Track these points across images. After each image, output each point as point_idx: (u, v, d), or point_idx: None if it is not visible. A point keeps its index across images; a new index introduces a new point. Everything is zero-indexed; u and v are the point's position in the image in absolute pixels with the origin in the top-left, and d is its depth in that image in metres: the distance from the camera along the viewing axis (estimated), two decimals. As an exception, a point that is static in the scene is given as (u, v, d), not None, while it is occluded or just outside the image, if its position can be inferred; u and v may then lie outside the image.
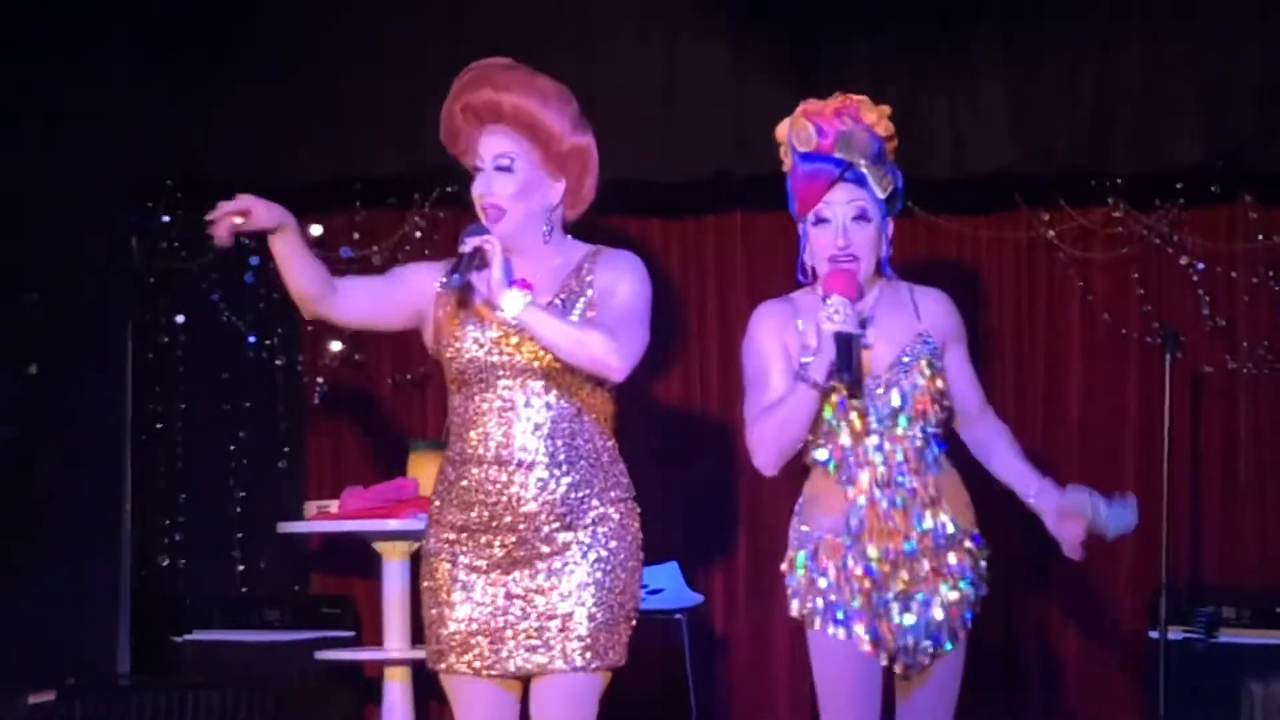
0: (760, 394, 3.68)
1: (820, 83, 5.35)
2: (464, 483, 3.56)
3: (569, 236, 3.69)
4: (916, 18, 5.85)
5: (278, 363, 6.38)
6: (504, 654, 3.53)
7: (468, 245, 3.49)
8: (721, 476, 6.14)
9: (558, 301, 3.55)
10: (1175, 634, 5.47)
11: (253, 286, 6.32)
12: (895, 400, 3.65)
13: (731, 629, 6.19)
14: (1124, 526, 3.67)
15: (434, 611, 3.59)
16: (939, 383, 3.70)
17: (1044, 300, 6.16)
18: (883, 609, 3.64)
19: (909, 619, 3.65)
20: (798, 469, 3.73)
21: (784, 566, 3.74)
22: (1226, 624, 5.61)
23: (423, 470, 5.74)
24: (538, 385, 3.55)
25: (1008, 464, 3.81)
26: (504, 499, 3.52)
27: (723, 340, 6.13)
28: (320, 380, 6.33)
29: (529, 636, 3.52)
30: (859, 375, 3.59)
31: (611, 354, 3.47)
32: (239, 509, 6.38)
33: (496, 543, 3.53)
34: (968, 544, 3.72)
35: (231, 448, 6.38)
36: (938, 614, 3.66)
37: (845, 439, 3.65)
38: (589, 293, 3.58)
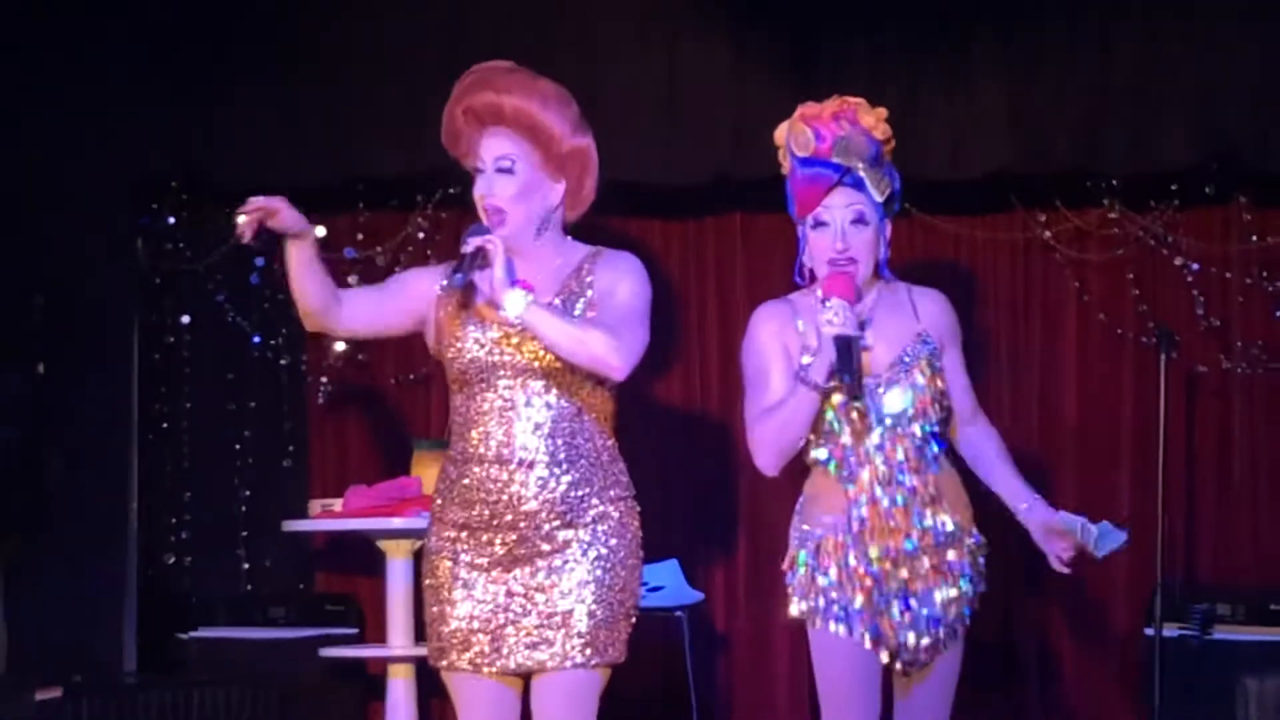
0: (760, 395, 3.69)
1: (820, 83, 5.38)
2: (465, 481, 3.57)
3: (569, 238, 3.70)
4: (916, 18, 5.85)
5: (282, 363, 6.39)
6: (505, 651, 3.54)
7: (470, 245, 3.50)
8: (722, 475, 6.15)
9: (558, 302, 3.56)
10: (1170, 631, 5.48)
11: (258, 287, 6.33)
12: (896, 399, 3.68)
13: (732, 626, 6.20)
14: (1113, 546, 3.68)
15: (435, 609, 3.61)
16: (939, 382, 3.72)
17: (1040, 301, 6.16)
18: (883, 607, 3.66)
19: (910, 617, 3.67)
20: (798, 468, 3.74)
21: (785, 565, 3.75)
22: (1221, 621, 5.61)
23: (426, 469, 5.75)
24: (538, 385, 3.56)
25: (999, 474, 3.83)
26: (505, 497, 3.53)
27: (723, 340, 6.13)
28: (324, 380, 6.34)
29: (529, 634, 3.53)
30: (859, 377, 3.60)
31: (612, 353, 3.49)
32: (244, 508, 6.39)
33: (497, 541, 3.54)
34: (967, 542, 3.74)
35: (237, 447, 6.40)
36: (938, 612, 3.68)
37: (846, 438, 3.67)
38: (589, 293, 3.59)
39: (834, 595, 3.66)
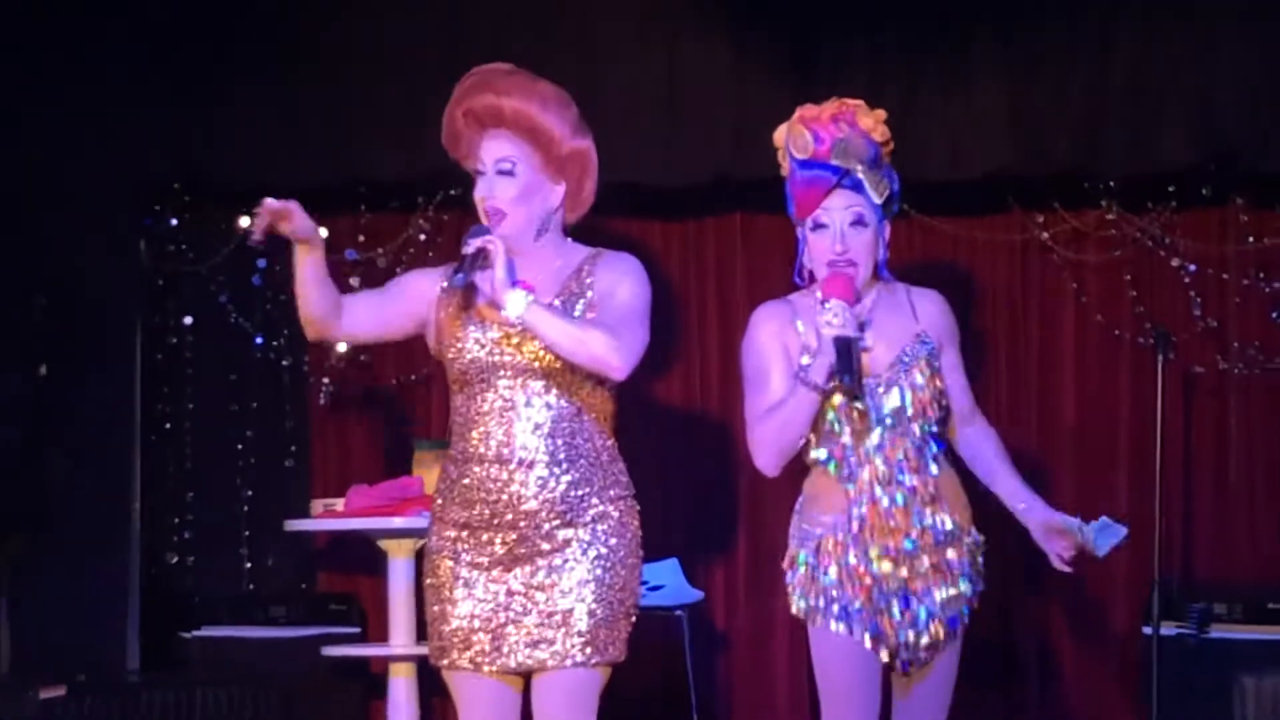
0: (760, 396, 3.70)
1: (820, 83, 5.40)
2: (465, 481, 3.58)
3: (569, 239, 3.71)
4: (916, 18, 5.85)
5: (284, 364, 6.39)
6: (505, 650, 3.55)
7: (471, 246, 3.51)
8: (721, 475, 6.16)
9: (558, 303, 3.57)
10: (1168, 630, 5.49)
11: (260, 289, 6.33)
12: (896, 399, 3.69)
13: (732, 625, 6.21)
14: (1113, 544, 3.70)
15: (436, 608, 3.62)
16: (938, 382, 3.73)
17: (1038, 302, 6.18)
18: (883, 606, 3.67)
19: (909, 616, 3.68)
20: (797, 468, 3.75)
21: (785, 564, 3.76)
22: (1218, 620, 5.63)
23: (427, 469, 5.75)
24: (538, 385, 3.57)
25: (998, 474, 3.84)
26: (505, 497, 3.54)
27: (723, 340, 6.14)
28: (326, 381, 6.34)
29: (530, 633, 3.54)
30: (859, 378, 3.61)
31: (613, 353, 3.50)
32: (246, 508, 6.40)
33: (498, 540, 3.55)
34: (966, 541, 3.75)
35: (239, 447, 6.41)
36: (938, 611, 3.69)
37: (846, 438, 3.68)
38: (589, 294, 3.60)
39: (834, 594, 3.67)
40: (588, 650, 3.54)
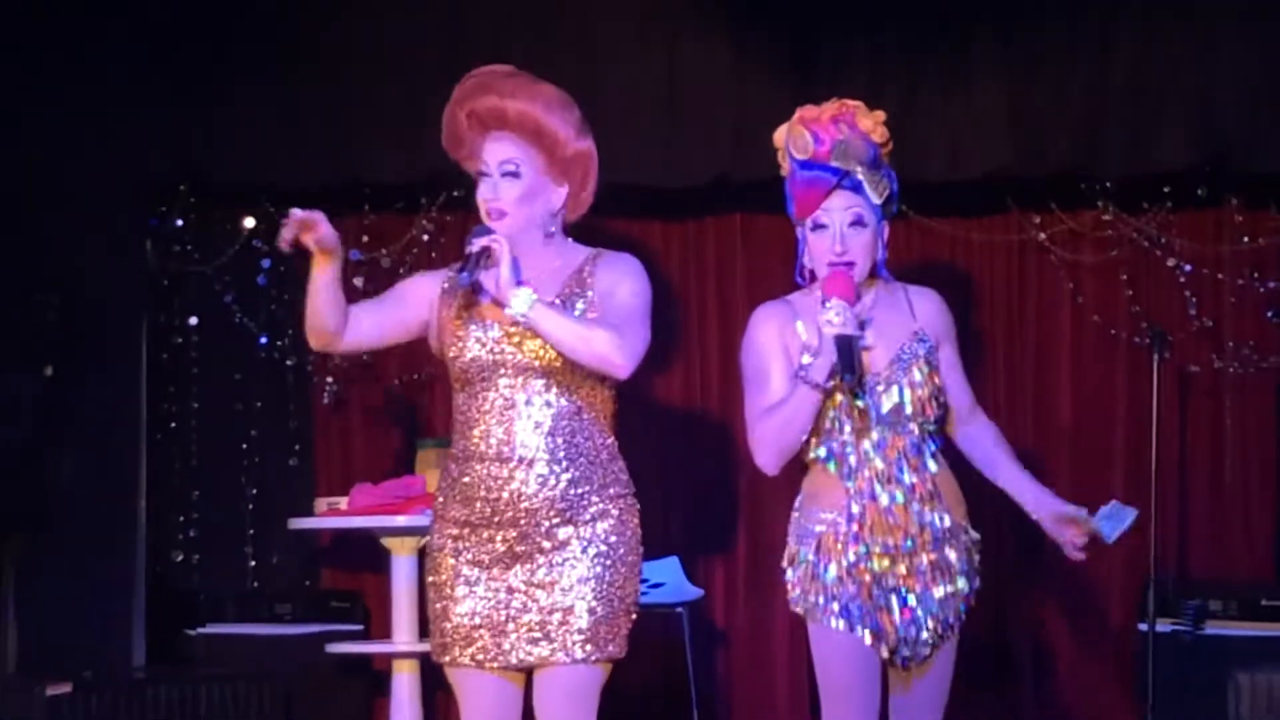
0: (761, 395, 3.70)
1: (819, 83, 5.41)
2: (466, 479, 3.59)
3: (569, 239, 3.72)
4: (916, 18, 5.85)
5: (288, 363, 6.39)
6: (506, 647, 3.56)
7: (476, 245, 3.51)
8: (721, 474, 6.17)
9: (557, 302, 3.58)
10: (1163, 626, 5.51)
11: (264, 289, 6.36)
12: (895, 398, 3.70)
13: (731, 622, 6.21)
14: (1123, 527, 3.70)
15: (438, 605, 3.62)
16: (936, 380, 3.74)
17: (1035, 301, 6.19)
18: (882, 603, 3.67)
19: (908, 613, 3.68)
20: (797, 466, 3.76)
21: (785, 561, 3.77)
22: (1213, 616, 5.65)
23: (430, 468, 5.78)
24: (539, 384, 3.58)
25: (1003, 468, 3.85)
26: (505, 495, 3.55)
27: (723, 340, 6.14)
28: (330, 380, 6.34)
29: (531, 630, 3.55)
30: (861, 376, 3.63)
31: (616, 352, 3.51)
32: (251, 506, 6.41)
33: (498, 538, 3.56)
34: (964, 538, 3.76)
35: (244, 446, 6.42)
36: (936, 608, 3.70)
37: (846, 436, 3.69)
38: (589, 294, 3.61)
39: (834, 591, 3.67)
40: (588, 647, 3.55)
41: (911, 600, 3.70)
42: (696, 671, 5.83)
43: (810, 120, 3.76)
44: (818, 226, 3.73)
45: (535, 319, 3.49)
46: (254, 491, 6.43)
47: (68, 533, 5.96)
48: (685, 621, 5.77)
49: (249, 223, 6.36)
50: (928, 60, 5.84)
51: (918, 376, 3.73)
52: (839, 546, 3.70)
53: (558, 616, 3.55)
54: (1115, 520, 3.69)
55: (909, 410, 3.71)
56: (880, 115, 3.81)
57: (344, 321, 3.62)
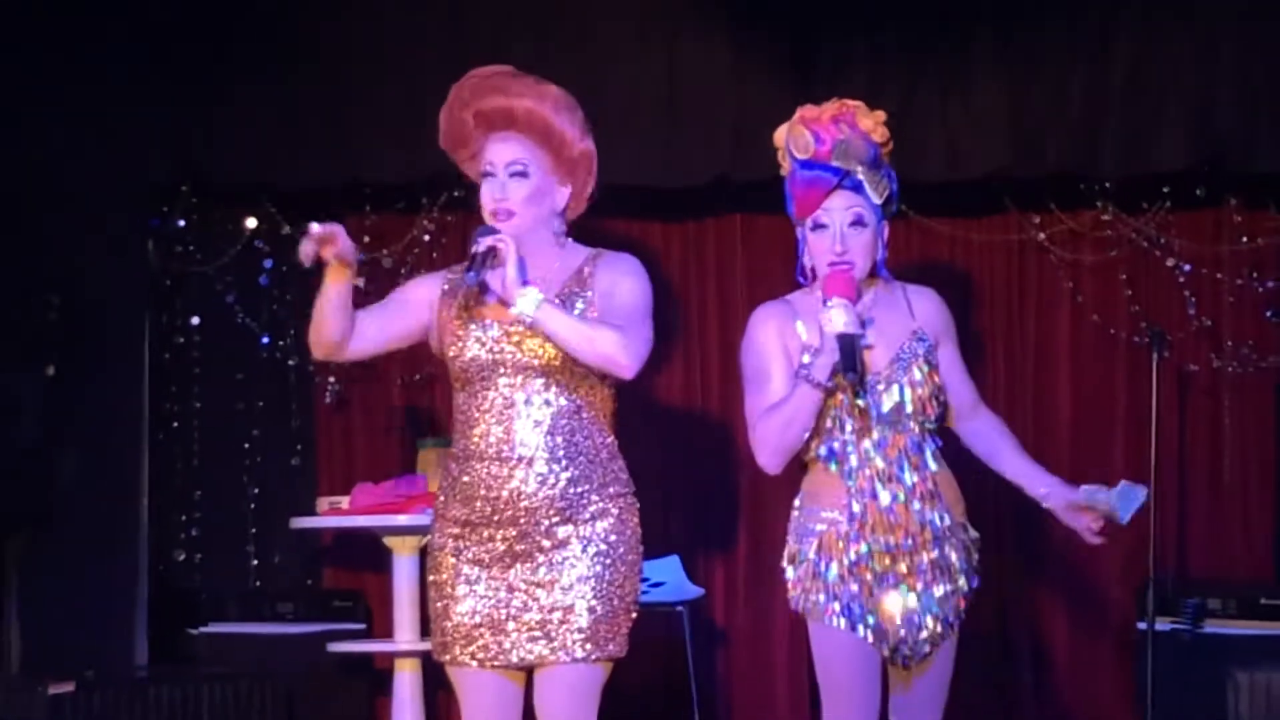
0: (761, 395, 3.72)
1: (819, 83, 5.42)
2: (466, 478, 3.60)
3: (569, 239, 3.73)
4: (916, 18, 5.85)
5: (290, 363, 6.39)
6: (507, 646, 3.57)
7: (482, 245, 3.52)
8: (721, 473, 6.17)
9: (556, 302, 3.58)
10: (1163, 625, 5.50)
11: (266, 289, 6.36)
12: (895, 397, 3.72)
13: (732, 621, 6.21)
14: (1135, 506, 3.71)
15: (439, 604, 3.64)
16: (936, 379, 3.76)
17: (1034, 301, 6.18)
18: (883, 601, 3.71)
19: (909, 611, 3.70)
20: (798, 465, 3.77)
21: (785, 560, 3.78)
22: (1212, 615, 5.64)
23: (431, 467, 5.79)
24: (538, 383, 3.59)
25: (1011, 461, 3.87)
26: (505, 494, 3.56)
27: (723, 340, 6.14)
28: (331, 380, 6.33)
29: (531, 629, 3.56)
30: (863, 374, 3.64)
31: (622, 352, 3.52)
32: (253, 505, 6.41)
33: (498, 536, 3.58)
34: (963, 536, 3.78)
35: (246, 446, 6.42)
36: (936, 606, 3.71)
37: (846, 435, 3.71)
38: (588, 294, 3.62)
39: (834, 590, 3.69)
40: (588, 646, 3.56)
41: (911, 599, 3.71)
42: (697, 670, 5.83)
43: (811, 120, 3.78)
44: (818, 226, 3.74)
45: (541, 319, 3.51)
46: (256, 491, 6.43)
47: (70, 532, 5.97)
48: (686, 620, 5.77)
49: (250, 223, 6.37)
50: (927, 60, 5.84)
51: (918, 375, 3.74)
52: (840, 545, 3.71)
53: (558, 615, 3.56)
54: (1127, 500, 3.70)
55: (909, 409, 3.73)
56: (880, 115, 3.82)
57: (351, 332, 3.63)
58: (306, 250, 3.48)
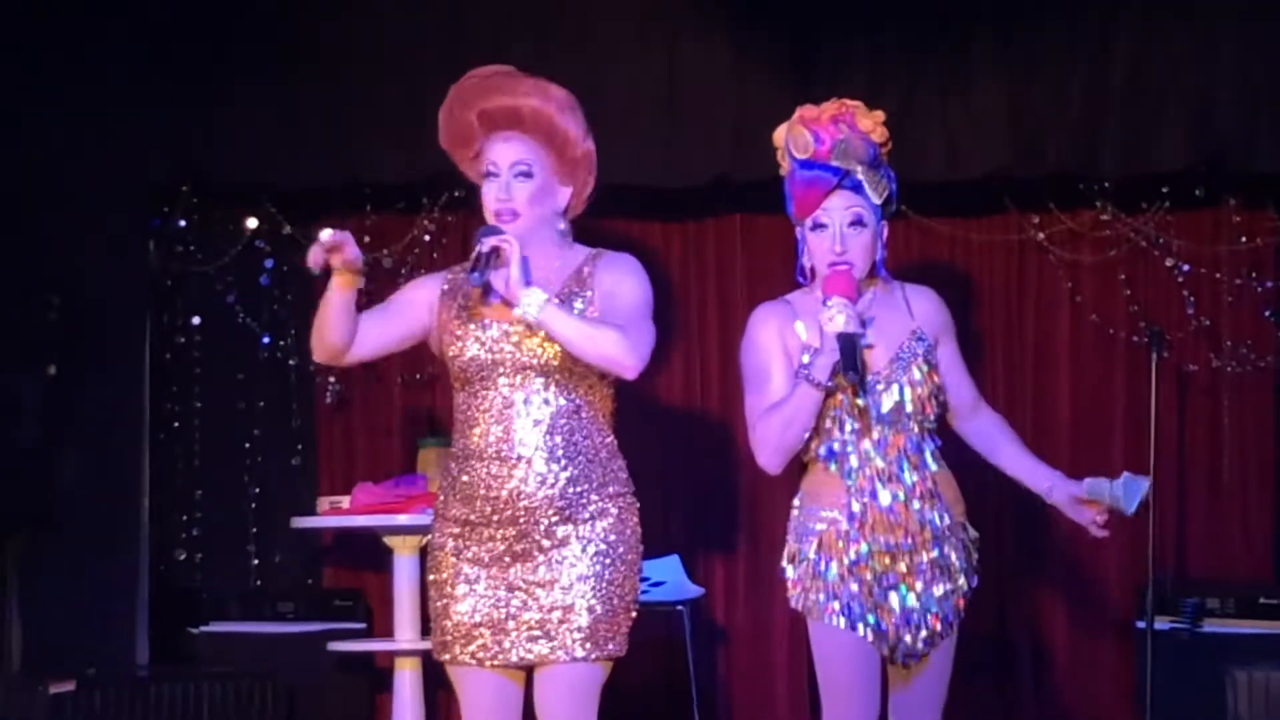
0: (761, 395, 3.72)
1: (820, 83, 5.42)
2: (465, 478, 3.60)
3: (568, 239, 3.72)
4: (916, 18, 5.85)
5: (291, 363, 6.39)
6: (506, 645, 3.57)
7: (486, 245, 3.52)
8: (721, 473, 6.17)
9: (556, 302, 3.57)
10: (1162, 624, 5.51)
11: (267, 289, 6.36)
12: (895, 396, 3.72)
13: (732, 620, 6.22)
14: (1139, 496, 3.71)
15: (439, 604, 3.64)
16: (935, 378, 3.77)
17: (1034, 301, 6.19)
18: (883, 600, 3.70)
19: (908, 610, 3.71)
20: (797, 464, 3.78)
21: (785, 559, 3.78)
22: (1211, 614, 5.65)
23: (431, 467, 5.80)
24: (537, 383, 3.59)
25: (1014, 458, 3.88)
26: (504, 493, 3.56)
27: (723, 340, 6.14)
28: (332, 380, 6.33)
29: (530, 628, 3.56)
30: (864, 373, 3.65)
31: (626, 353, 3.52)
32: (254, 505, 6.41)
33: (498, 536, 3.57)
34: (962, 536, 3.78)
35: (246, 445, 6.42)
36: (935, 605, 3.72)
37: (846, 435, 3.71)
38: (587, 293, 3.62)
39: (834, 589, 3.69)
40: (588, 645, 3.56)
41: (911, 598, 3.71)
42: (697, 670, 5.83)
43: (810, 120, 3.78)
44: (817, 226, 3.75)
45: (546, 320, 3.51)
46: (256, 490, 6.43)
47: (71, 532, 5.97)
48: (686, 620, 5.77)
49: (251, 223, 6.37)
50: (927, 60, 5.84)
51: (917, 375, 3.75)
52: (840, 545, 3.72)
53: (557, 615, 3.56)
54: (1131, 490, 3.71)
55: (909, 409, 3.74)
56: (880, 115, 3.83)
57: (354, 337, 3.64)
58: (316, 257, 3.49)
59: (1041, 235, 6.14)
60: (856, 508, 3.71)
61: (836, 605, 3.70)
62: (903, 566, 3.71)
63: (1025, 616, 6.09)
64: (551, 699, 3.59)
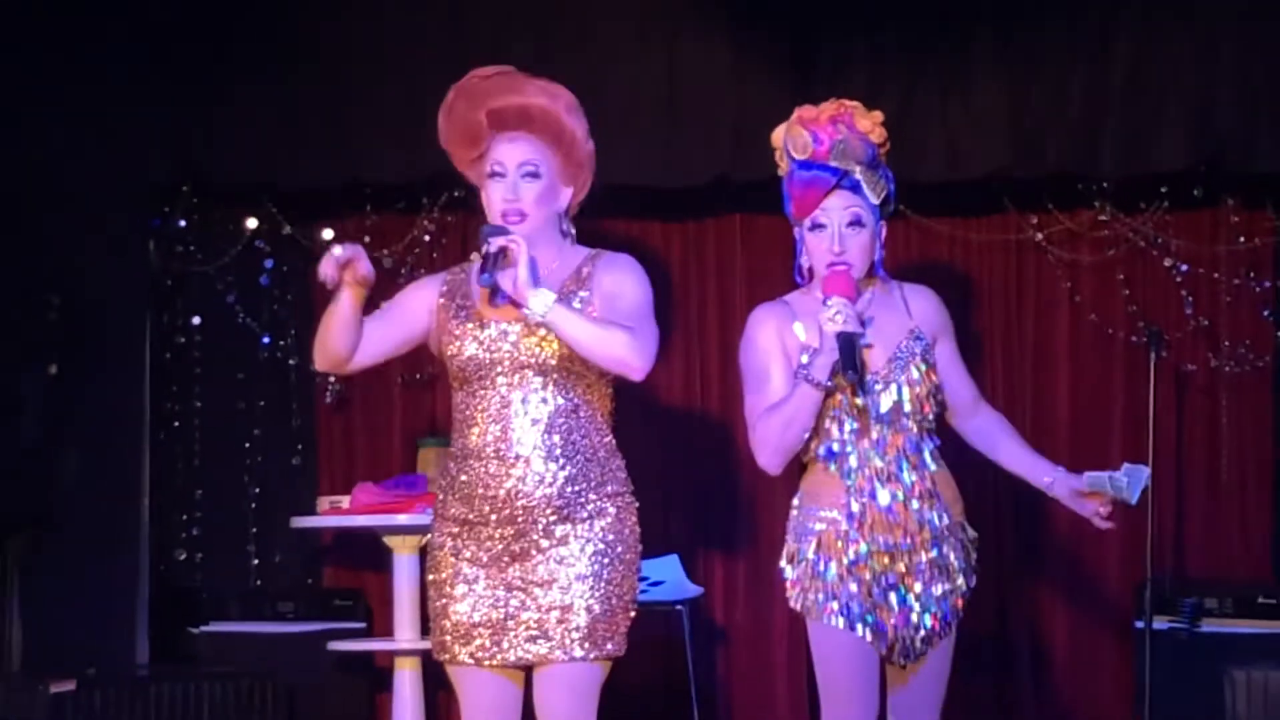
0: (761, 395, 3.73)
1: (819, 83, 5.42)
2: (465, 478, 3.60)
3: (568, 239, 3.72)
4: (916, 18, 5.85)
5: (291, 363, 6.40)
6: (505, 645, 3.57)
7: (493, 245, 3.51)
8: (721, 472, 6.17)
9: (564, 303, 3.57)
10: (1160, 624, 5.51)
11: (267, 289, 6.37)
12: (893, 396, 3.73)
13: (731, 620, 6.22)
14: (1141, 485, 3.72)
15: (438, 603, 3.64)
16: (933, 378, 3.77)
17: (1033, 301, 6.19)
18: (881, 600, 3.71)
19: (907, 610, 3.71)
20: (796, 464, 3.78)
21: (784, 559, 3.79)
22: (1209, 614, 5.65)
23: (431, 466, 5.80)
24: (536, 382, 3.59)
25: (1015, 454, 3.89)
26: (503, 493, 3.56)
27: (723, 340, 6.14)
28: (332, 380, 6.31)
29: (529, 628, 3.56)
30: (864, 373, 3.66)
31: (634, 354, 3.52)
32: (254, 504, 6.42)
33: (497, 535, 3.58)
34: (961, 536, 3.79)
35: (246, 445, 6.42)
36: (934, 605, 3.73)
37: (845, 435, 3.72)
38: (586, 293, 3.62)
39: (833, 589, 3.70)
40: (586, 645, 3.56)
41: (910, 598, 3.72)
42: (696, 670, 5.83)
43: (809, 120, 3.79)
44: (816, 226, 3.76)
45: (554, 320, 3.50)
46: (256, 490, 6.44)
47: (71, 531, 5.97)
48: (685, 619, 5.77)
49: (251, 223, 6.38)
50: (927, 60, 5.84)
51: (915, 374, 3.76)
52: (839, 545, 3.73)
53: (556, 614, 3.56)
54: (1133, 480, 3.72)
55: (908, 408, 3.75)
56: (878, 115, 3.83)
57: (358, 346, 3.64)
58: (328, 272, 3.49)
59: (1040, 235, 6.14)
60: (856, 508, 3.72)
61: (835, 605, 3.71)
62: (901, 566, 3.72)
63: (1024, 616, 6.10)
64: (550, 699, 3.59)
